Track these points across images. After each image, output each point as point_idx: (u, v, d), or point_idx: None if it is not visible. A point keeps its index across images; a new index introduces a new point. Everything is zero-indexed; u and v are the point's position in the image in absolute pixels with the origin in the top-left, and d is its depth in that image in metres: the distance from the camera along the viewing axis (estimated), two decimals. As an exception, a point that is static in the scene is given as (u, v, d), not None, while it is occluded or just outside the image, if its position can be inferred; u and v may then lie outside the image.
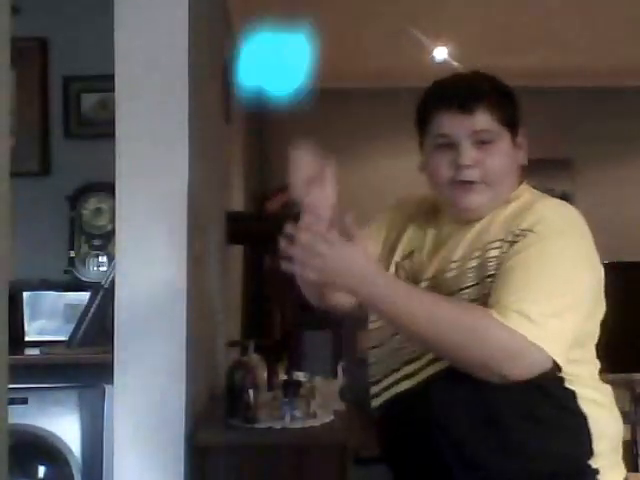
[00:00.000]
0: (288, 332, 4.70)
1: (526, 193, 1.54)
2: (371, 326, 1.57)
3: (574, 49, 4.93)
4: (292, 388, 2.46)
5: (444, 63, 4.95)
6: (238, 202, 4.66)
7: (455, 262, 1.46)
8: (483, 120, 1.44)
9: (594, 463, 1.45)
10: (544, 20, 4.35)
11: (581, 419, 1.44)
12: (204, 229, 2.70)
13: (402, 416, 1.47)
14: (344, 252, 1.31)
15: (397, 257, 1.57)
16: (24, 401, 2.63)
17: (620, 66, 5.22)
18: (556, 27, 4.50)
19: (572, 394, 1.43)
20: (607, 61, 5.14)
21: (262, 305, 4.89)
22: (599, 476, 1.45)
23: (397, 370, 1.48)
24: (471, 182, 1.45)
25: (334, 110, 5.46)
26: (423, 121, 1.52)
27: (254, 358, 2.56)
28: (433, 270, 1.49)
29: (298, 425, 2.36)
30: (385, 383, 1.51)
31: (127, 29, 2.29)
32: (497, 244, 1.41)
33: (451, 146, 1.46)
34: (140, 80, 2.30)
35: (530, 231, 1.38)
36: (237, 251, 4.45)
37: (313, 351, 4.36)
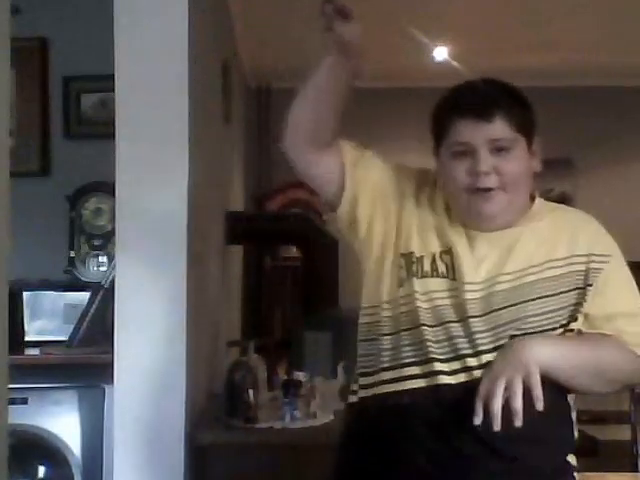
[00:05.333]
0: (288, 332, 4.70)
1: (550, 206, 1.63)
2: (386, 313, 1.56)
3: (574, 49, 4.93)
4: (292, 388, 2.46)
5: (444, 63, 4.95)
6: (238, 202, 4.66)
7: (533, 267, 1.51)
8: (500, 128, 1.46)
9: (571, 459, 1.58)
10: (544, 20, 4.35)
11: (571, 423, 1.59)
12: (204, 229, 2.70)
13: (425, 407, 1.48)
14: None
15: (416, 249, 1.56)
16: (24, 401, 2.62)
17: (621, 66, 5.22)
18: (556, 27, 4.50)
19: (569, 407, 1.58)
20: (608, 61, 5.14)
21: (262, 305, 4.89)
22: (574, 472, 1.57)
23: (427, 362, 1.49)
24: (489, 189, 1.48)
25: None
26: (440, 128, 1.53)
27: (254, 358, 2.56)
28: (484, 275, 1.51)
29: (298, 425, 2.36)
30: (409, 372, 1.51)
31: (127, 29, 2.29)
32: (583, 259, 1.53)
33: (468, 153, 1.48)
34: (140, 80, 2.30)
35: (610, 256, 1.56)
36: (237, 251, 4.45)
37: (313, 351, 4.35)
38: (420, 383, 1.49)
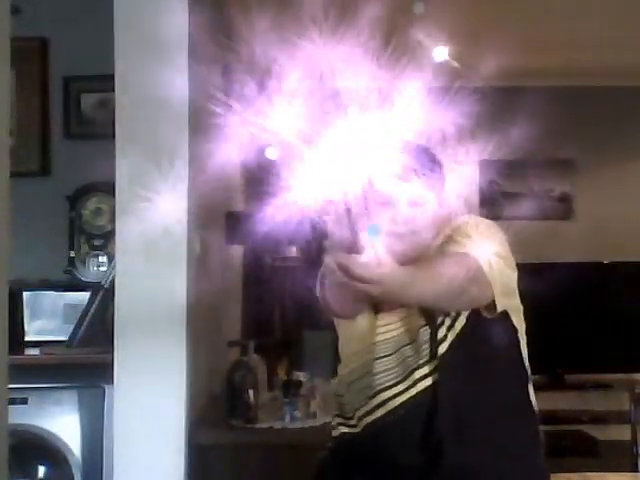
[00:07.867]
0: (288, 332, 4.70)
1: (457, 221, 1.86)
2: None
3: (575, 49, 4.93)
4: (292, 388, 2.46)
5: (444, 63, 4.95)
6: (238, 202, 4.66)
7: None
8: (418, 189, 1.77)
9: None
10: (544, 20, 4.35)
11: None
12: (204, 229, 2.70)
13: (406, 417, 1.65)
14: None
15: None
16: (24, 401, 2.62)
17: (621, 66, 5.22)
18: (556, 27, 4.50)
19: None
20: (608, 61, 5.14)
21: (262, 305, 4.89)
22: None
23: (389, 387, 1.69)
24: (403, 234, 1.77)
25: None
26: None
27: (254, 358, 2.57)
28: None
29: (298, 425, 2.37)
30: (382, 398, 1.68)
31: (127, 29, 2.29)
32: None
33: (389, 204, 1.75)
34: (140, 80, 2.30)
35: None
36: (237, 251, 4.45)
37: (313, 351, 4.35)
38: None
